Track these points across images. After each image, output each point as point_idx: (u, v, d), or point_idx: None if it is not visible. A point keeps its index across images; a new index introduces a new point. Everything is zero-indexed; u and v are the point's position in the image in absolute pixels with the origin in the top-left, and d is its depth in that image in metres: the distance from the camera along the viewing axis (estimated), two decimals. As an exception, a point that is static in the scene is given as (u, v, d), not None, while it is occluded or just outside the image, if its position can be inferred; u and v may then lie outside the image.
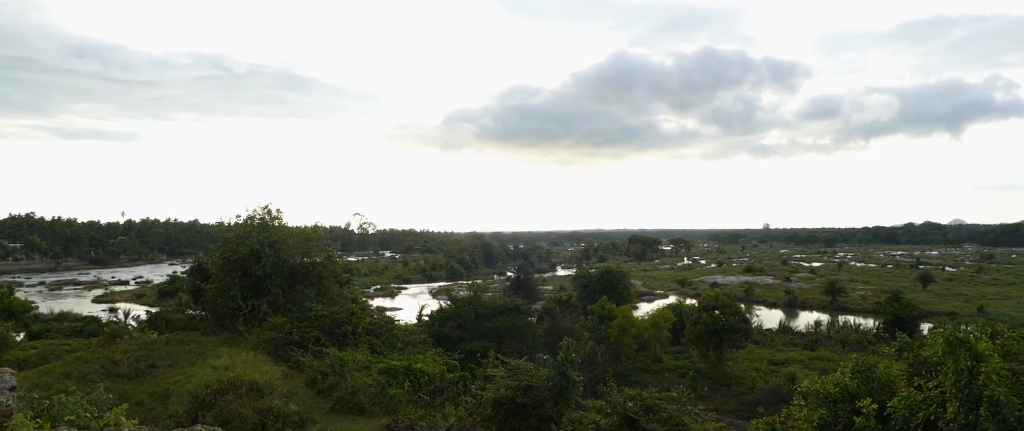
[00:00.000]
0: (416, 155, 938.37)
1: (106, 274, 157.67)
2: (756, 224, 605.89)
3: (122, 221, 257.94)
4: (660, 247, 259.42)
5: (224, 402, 21.34)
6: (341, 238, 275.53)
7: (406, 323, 47.33)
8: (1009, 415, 12.14)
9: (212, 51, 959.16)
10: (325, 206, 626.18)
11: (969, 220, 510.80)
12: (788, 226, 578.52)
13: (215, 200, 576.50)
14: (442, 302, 55.23)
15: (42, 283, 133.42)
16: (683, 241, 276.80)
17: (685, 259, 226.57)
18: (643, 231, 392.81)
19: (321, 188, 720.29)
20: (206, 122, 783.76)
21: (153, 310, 56.69)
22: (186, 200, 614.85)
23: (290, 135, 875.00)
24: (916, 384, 14.10)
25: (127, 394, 24.35)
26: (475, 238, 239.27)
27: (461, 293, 54.28)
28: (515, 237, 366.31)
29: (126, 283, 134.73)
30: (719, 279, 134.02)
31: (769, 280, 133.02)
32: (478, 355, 37.20)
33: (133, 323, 54.78)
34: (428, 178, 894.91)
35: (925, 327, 59.26)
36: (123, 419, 11.36)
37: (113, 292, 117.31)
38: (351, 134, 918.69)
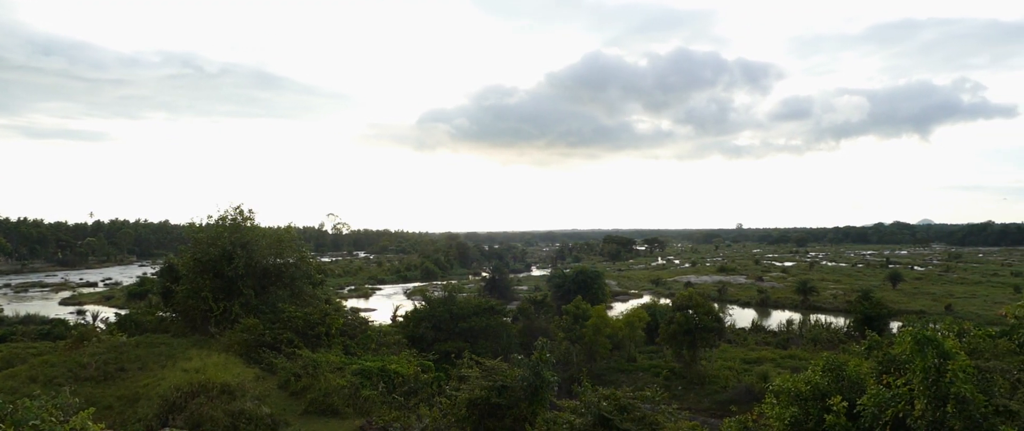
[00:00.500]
0: (390, 155, 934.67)
1: (74, 276, 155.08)
2: (729, 224, 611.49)
3: (90, 222, 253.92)
4: (634, 247, 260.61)
5: (195, 405, 21.10)
6: (314, 239, 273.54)
7: (380, 324, 47.10)
8: (975, 412, 12.35)
9: (183, 49, 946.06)
10: (298, 206, 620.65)
11: (937, 220, 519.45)
12: (761, 226, 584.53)
13: (186, 201, 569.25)
14: (416, 303, 55.02)
15: (7, 285, 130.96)
16: (657, 241, 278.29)
17: (659, 259, 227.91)
18: (618, 231, 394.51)
19: (294, 188, 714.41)
20: (177, 121, 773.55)
21: (122, 312, 55.89)
22: (156, 201, 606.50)
23: (263, 135, 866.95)
24: (885, 382, 14.30)
25: (95, 398, 23.97)
26: (450, 238, 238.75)
27: (436, 294, 54.13)
28: (490, 237, 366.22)
29: (94, 285, 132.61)
30: (693, 279, 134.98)
31: (742, 280, 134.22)
32: (452, 356, 37.13)
33: (101, 325, 53.95)
34: (402, 178, 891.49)
35: (894, 326, 60.12)
36: (90, 423, 11.16)
37: (81, 294, 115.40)
38: (325, 134, 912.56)
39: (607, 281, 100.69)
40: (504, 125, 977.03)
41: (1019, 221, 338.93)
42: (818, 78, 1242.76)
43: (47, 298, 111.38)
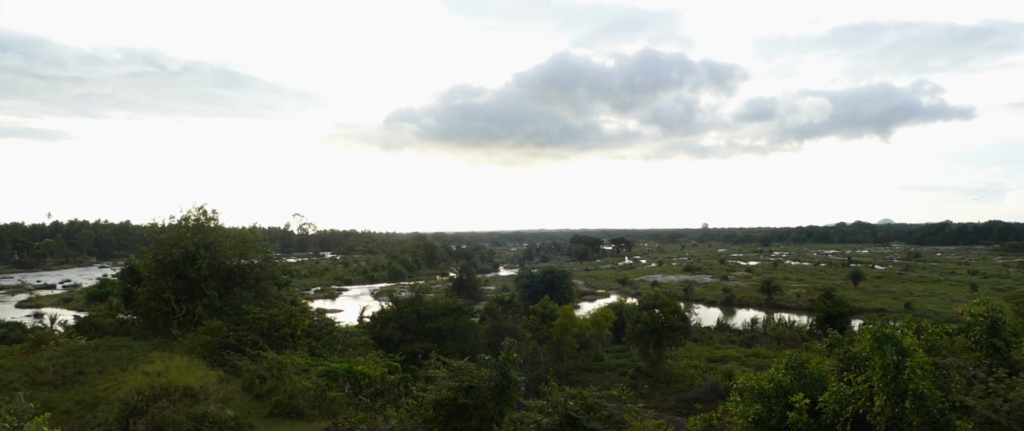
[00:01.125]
0: (357, 155, 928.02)
1: (31, 278, 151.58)
2: (695, 224, 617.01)
3: (48, 223, 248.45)
4: (602, 247, 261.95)
5: (157, 409, 20.75)
6: (280, 239, 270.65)
7: (347, 325, 46.75)
8: (932, 407, 12.61)
9: (145, 47, 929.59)
10: (264, 207, 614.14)
11: (897, 220, 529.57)
12: (726, 226, 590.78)
13: (148, 201, 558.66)
14: (383, 303, 54.77)
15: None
16: (624, 241, 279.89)
17: (626, 258, 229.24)
18: (585, 231, 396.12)
19: (259, 189, 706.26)
20: (139, 120, 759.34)
21: (81, 315, 54.75)
22: (117, 201, 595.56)
23: (227, 134, 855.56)
24: (846, 379, 14.54)
25: (52, 403, 23.46)
26: (417, 239, 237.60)
27: (403, 294, 53.90)
28: (458, 237, 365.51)
29: (52, 287, 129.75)
30: (659, 278, 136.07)
31: (708, 279, 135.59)
32: (420, 356, 37.03)
33: (60, 328, 52.80)
34: (369, 178, 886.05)
35: (856, 324, 61.20)
36: (45, 429, 10.92)
37: (38, 296, 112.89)
38: (290, 133, 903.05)
39: (574, 281, 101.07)
40: (472, 125, 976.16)
41: (976, 221, 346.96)
42: (782, 80, 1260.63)
43: (3, 301, 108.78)
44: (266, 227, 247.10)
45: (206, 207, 40.96)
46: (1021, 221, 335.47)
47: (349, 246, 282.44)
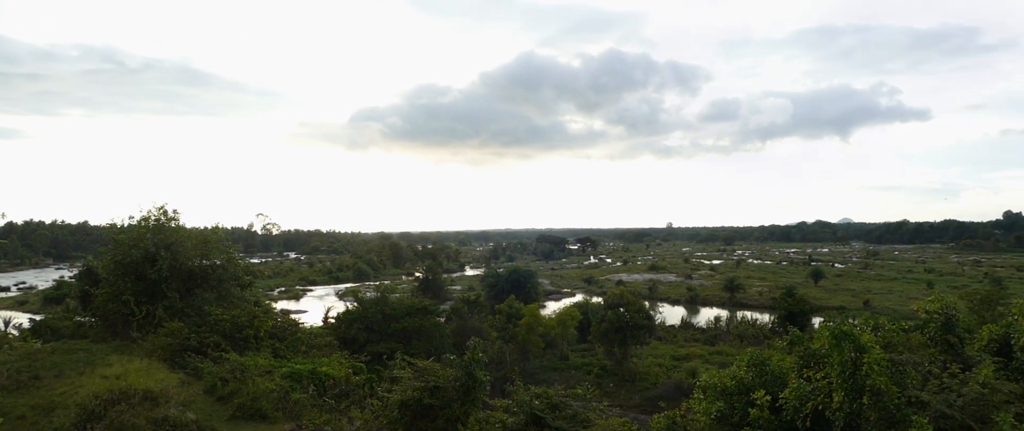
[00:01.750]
0: (322, 154, 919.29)
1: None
2: (660, 223, 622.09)
3: (2, 223, 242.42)
4: (567, 246, 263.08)
5: (116, 413, 20.37)
6: (243, 239, 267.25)
7: (311, 326, 46.32)
8: (889, 403, 12.88)
9: (103, 44, 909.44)
10: (226, 207, 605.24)
11: (856, 219, 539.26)
12: (690, 225, 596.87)
13: (106, 201, 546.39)
14: (348, 304, 54.33)
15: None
16: (590, 240, 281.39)
17: (591, 258, 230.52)
18: (551, 230, 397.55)
19: (222, 188, 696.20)
20: (96, 118, 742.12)
21: (37, 317, 53.50)
22: (74, 201, 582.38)
23: (188, 133, 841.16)
24: (805, 376, 14.79)
25: (6, 408, 22.90)
26: (383, 238, 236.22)
27: (368, 294, 53.54)
28: (423, 237, 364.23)
29: (7, 289, 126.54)
30: (624, 277, 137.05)
31: (672, 277, 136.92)
32: (385, 357, 36.84)
33: (14, 331, 51.50)
34: (334, 178, 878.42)
35: (816, 321, 62.29)
36: (0, 434, 10.67)
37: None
38: (254, 132, 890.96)
39: (540, 280, 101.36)
40: (438, 124, 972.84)
41: (932, 220, 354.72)
42: (745, 81, 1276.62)
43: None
44: (229, 227, 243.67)
45: (167, 207, 40.31)
46: (976, 220, 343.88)
47: (314, 246, 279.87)
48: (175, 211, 40.46)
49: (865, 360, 13.21)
